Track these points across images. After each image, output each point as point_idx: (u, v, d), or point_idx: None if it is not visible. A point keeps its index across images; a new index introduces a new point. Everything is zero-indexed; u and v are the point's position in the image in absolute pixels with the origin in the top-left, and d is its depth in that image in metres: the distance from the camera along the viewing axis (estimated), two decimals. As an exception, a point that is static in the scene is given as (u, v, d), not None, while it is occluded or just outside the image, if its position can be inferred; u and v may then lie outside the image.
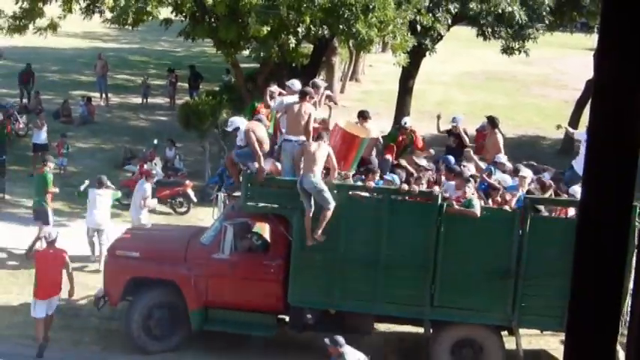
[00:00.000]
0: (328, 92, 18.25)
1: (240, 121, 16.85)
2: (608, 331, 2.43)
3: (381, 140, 17.79)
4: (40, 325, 15.68)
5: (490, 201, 15.62)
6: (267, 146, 15.62)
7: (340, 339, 13.26)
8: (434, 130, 21.44)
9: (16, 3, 25.13)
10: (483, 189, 15.97)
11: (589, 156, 2.38)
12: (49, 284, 15.69)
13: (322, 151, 14.60)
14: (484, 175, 16.46)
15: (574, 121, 30.52)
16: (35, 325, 15.73)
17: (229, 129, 17.32)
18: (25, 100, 35.07)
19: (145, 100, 39.83)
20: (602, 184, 2.33)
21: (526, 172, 16.30)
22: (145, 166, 23.99)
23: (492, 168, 16.74)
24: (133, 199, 20.67)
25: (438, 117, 20.57)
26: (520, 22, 26.95)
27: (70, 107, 34.19)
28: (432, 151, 18.69)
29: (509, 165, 16.99)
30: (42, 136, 26.55)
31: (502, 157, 17.16)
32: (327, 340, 13.52)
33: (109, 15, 24.73)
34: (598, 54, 2.34)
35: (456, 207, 15.04)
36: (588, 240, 2.37)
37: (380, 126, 18.19)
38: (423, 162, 17.28)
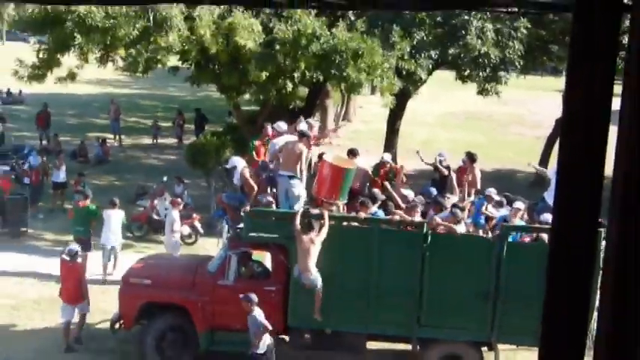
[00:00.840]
0: (316, 132, 18.36)
1: (237, 161, 17.07)
2: (577, 346, 2.48)
3: (371, 174, 17.94)
4: (66, 329, 16.53)
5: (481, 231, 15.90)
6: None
7: (253, 296, 14.13)
8: (419, 165, 21.55)
9: (37, 55, 25.30)
10: (475, 221, 16.10)
11: (559, 186, 2.44)
12: (70, 290, 16.70)
13: (317, 246, 14.57)
14: (483, 209, 16.61)
15: (546, 157, 30.79)
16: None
17: (228, 166, 17.42)
18: (44, 142, 35.11)
19: (155, 141, 40.03)
20: (571, 211, 2.39)
21: (519, 204, 16.42)
22: (156, 202, 24.09)
23: (484, 200, 16.88)
24: (165, 228, 21.44)
25: (418, 152, 20.81)
26: (494, 62, 27.11)
27: (86, 148, 34.30)
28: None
29: (497, 197, 17.13)
30: (61, 175, 26.67)
31: (492, 190, 17.28)
32: (241, 296, 14.23)
33: (121, 63, 24.87)
34: (566, 95, 2.41)
35: (439, 222, 15.35)
36: (559, 261, 2.43)
37: (369, 162, 18.28)
38: (408, 192, 17.38)
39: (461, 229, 15.75)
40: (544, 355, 2.56)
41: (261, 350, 14.15)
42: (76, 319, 16.64)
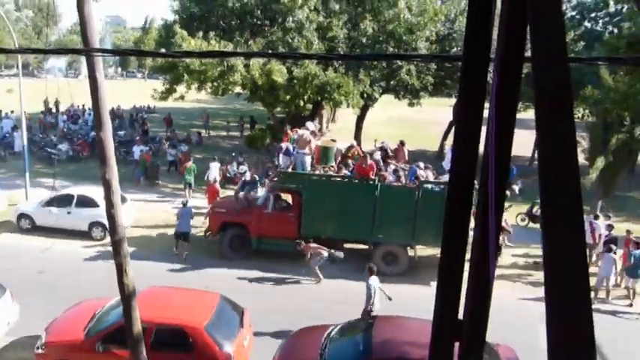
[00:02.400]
0: (315, 130, 18.38)
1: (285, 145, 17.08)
2: (459, 250, 2.44)
3: (342, 151, 17.88)
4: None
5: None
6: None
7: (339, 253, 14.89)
8: (372, 147, 21.54)
9: (163, 86, 25.17)
10: (412, 180, 16.02)
11: (453, 158, 2.40)
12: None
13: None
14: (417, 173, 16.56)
15: (443, 142, 30.93)
16: None
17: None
18: (168, 134, 35.02)
19: (227, 133, 39.86)
20: (458, 172, 2.35)
21: (426, 173, 16.50)
22: (228, 166, 23.99)
23: (415, 168, 16.82)
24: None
25: (375, 141, 20.88)
26: (417, 88, 27.08)
27: (190, 137, 34.20)
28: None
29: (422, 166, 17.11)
30: (171, 152, 26.47)
31: (421, 164, 17.22)
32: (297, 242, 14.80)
33: (209, 90, 24.75)
34: (458, 107, 2.36)
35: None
36: (452, 201, 2.39)
37: (343, 145, 18.22)
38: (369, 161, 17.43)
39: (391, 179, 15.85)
40: (444, 253, 2.50)
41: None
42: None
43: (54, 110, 39.50)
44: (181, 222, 16.26)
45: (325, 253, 14.71)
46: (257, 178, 19.16)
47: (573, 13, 33.39)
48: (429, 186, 15.47)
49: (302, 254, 14.95)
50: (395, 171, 16.43)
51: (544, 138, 1.62)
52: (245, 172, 21.15)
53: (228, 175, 23.68)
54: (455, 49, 27.26)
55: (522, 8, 1.83)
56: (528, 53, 1.86)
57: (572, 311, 1.38)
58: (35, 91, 30.57)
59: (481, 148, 2.31)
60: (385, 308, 11.70)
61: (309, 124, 17.96)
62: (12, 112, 32.49)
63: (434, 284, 10.64)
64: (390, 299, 12.00)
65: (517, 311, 13.02)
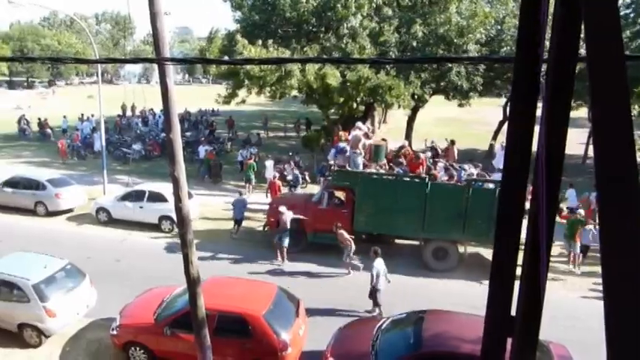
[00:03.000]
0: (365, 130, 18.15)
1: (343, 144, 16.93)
2: (511, 247, 2.35)
3: (394, 151, 17.71)
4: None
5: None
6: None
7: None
8: (422, 146, 21.20)
9: (226, 91, 25.61)
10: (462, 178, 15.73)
11: (505, 157, 2.31)
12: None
13: None
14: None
15: (493, 142, 30.10)
16: None
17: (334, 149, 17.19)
18: (230, 135, 35.59)
19: (284, 134, 40.17)
20: (511, 171, 2.26)
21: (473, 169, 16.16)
22: (285, 165, 24.19)
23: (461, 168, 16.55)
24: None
25: (425, 140, 20.54)
26: (466, 89, 26.47)
27: (250, 138, 34.67)
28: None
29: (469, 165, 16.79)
30: (244, 153, 26.70)
31: (465, 165, 16.90)
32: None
33: (267, 94, 25.00)
34: (510, 107, 2.26)
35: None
36: (504, 199, 2.30)
37: (394, 145, 18.06)
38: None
39: (445, 179, 15.53)
40: (497, 248, 2.41)
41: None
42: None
43: (129, 113, 40.90)
44: (236, 210, 17.43)
45: (353, 247, 14.60)
46: (298, 176, 20.08)
47: (628, 11, 31.75)
48: (480, 184, 15.08)
49: (337, 238, 14.89)
50: (446, 169, 16.11)
51: (600, 137, 1.52)
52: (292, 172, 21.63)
53: (285, 174, 23.87)
54: (504, 49, 26.45)
55: (576, 6, 1.74)
56: (582, 51, 1.76)
57: (631, 309, 1.29)
58: (112, 97, 31.79)
59: (534, 147, 2.21)
60: (435, 303, 11.52)
61: (361, 125, 17.85)
62: (92, 115, 33.88)
63: (485, 282, 10.32)
64: (389, 281, 12.54)
65: (566, 308, 12.52)
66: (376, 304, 12.28)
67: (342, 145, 16.60)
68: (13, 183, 19.76)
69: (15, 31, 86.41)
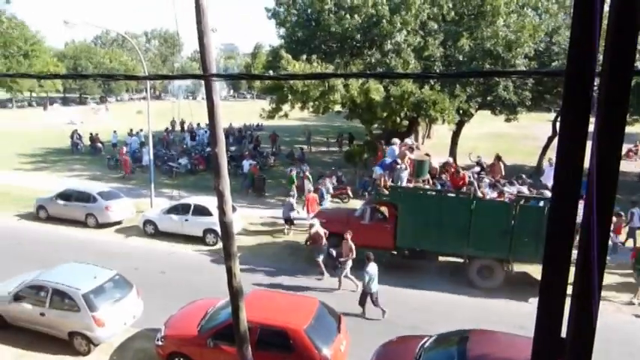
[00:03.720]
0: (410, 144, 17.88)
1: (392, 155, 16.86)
2: (562, 267, 2.28)
3: (437, 168, 17.44)
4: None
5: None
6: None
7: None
8: (467, 162, 20.88)
9: (269, 105, 25.95)
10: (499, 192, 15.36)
11: (555, 173, 2.25)
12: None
13: None
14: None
15: (541, 157, 29.38)
16: None
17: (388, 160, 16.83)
18: (274, 150, 35.98)
19: (327, 149, 40.31)
20: (562, 187, 2.21)
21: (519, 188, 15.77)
22: (327, 180, 24.21)
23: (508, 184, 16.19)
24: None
25: (469, 155, 20.20)
26: (514, 103, 26.02)
27: (294, 152, 34.98)
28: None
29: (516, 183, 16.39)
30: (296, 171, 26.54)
31: (514, 181, 16.53)
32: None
33: (311, 109, 25.20)
34: (561, 123, 2.21)
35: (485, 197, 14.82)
36: (554, 215, 2.25)
37: (438, 160, 17.82)
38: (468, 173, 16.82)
39: (493, 196, 15.18)
40: (545, 271, 2.34)
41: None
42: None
43: (178, 128, 41.89)
44: (284, 210, 19.48)
45: (350, 262, 14.56)
46: (323, 191, 20.92)
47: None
48: (527, 201, 14.69)
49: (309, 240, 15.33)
50: (493, 186, 15.76)
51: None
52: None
53: (319, 187, 23.93)
54: (555, 62, 25.84)
55: (633, 18, 1.69)
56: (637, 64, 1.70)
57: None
58: (160, 112, 32.69)
59: (586, 163, 2.15)
60: (480, 323, 11.24)
61: (408, 140, 17.73)
62: (141, 130, 34.96)
63: (532, 300, 10.06)
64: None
65: (623, 332, 11.98)
66: (362, 305, 13.02)
67: (389, 160, 16.44)
68: (66, 195, 20.51)
69: (69, 50, 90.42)
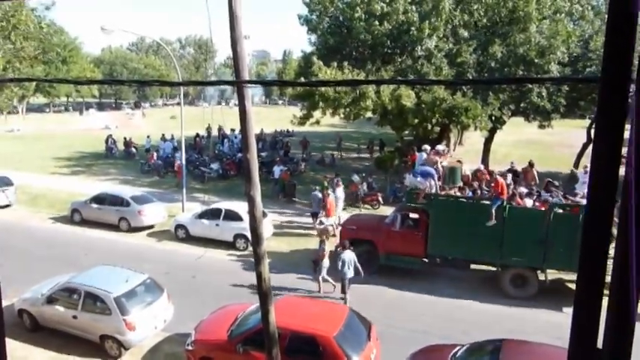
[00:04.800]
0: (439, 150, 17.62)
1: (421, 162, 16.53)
2: (598, 276, 2.25)
3: (469, 174, 17.26)
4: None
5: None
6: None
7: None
8: (501, 169, 20.62)
9: (301, 111, 26.09)
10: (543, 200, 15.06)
11: (590, 181, 2.22)
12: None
13: None
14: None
15: (576, 164, 28.76)
16: None
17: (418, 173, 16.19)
18: (304, 156, 36.15)
19: (357, 155, 40.27)
20: (597, 196, 2.18)
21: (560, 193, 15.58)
22: (359, 186, 24.15)
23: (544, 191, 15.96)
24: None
25: (512, 163, 20.07)
26: (547, 110, 25.62)
27: (324, 157, 35.06)
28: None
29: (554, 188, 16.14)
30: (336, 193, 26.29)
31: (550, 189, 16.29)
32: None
33: (342, 115, 25.23)
34: (596, 130, 2.19)
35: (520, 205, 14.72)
36: (589, 225, 2.22)
37: (470, 167, 17.67)
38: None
39: (529, 204, 14.93)
40: (581, 276, 2.31)
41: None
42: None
43: (215, 134, 42.23)
44: (314, 204, 20.05)
45: (327, 263, 14.65)
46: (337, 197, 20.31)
47: None
48: (562, 208, 14.41)
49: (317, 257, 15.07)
50: (529, 194, 15.50)
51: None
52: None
53: (358, 194, 23.87)
54: (590, 69, 25.33)
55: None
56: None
57: None
58: (193, 118, 33.21)
59: (621, 171, 2.12)
60: (513, 332, 11.05)
61: (439, 147, 17.59)
62: (172, 136, 35.58)
63: (566, 310, 9.86)
64: (361, 274, 13.95)
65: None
66: (343, 291, 13.94)
67: (427, 168, 15.80)
68: (100, 199, 20.99)
69: (105, 56, 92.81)
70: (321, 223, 18.47)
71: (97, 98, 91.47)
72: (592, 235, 2.19)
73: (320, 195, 19.92)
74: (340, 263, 13.79)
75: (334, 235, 18.01)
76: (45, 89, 68.35)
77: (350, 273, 13.81)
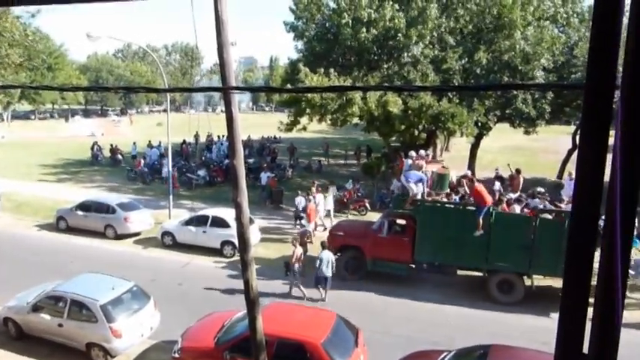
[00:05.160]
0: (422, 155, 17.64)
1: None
2: (583, 281, 2.25)
3: (454, 180, 17.33)
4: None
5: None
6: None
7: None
8: (486, 175, 20.71)
9: (288, 118, 26.07)
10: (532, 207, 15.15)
11: (576, 187, 2.23)
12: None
13: None
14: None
15: (561, 171, 29.04)
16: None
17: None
18: (292, 162, 36.14)
19: (345, 161, 40.29)
20: (582, 202, 2.19)
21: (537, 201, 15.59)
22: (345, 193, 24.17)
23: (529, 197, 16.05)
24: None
25: (496, 170, 20.13)
26: (533, 117, 25.84)
27: (311, 164, 35.07)
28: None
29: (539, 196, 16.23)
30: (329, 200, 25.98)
31: (541, 189, 16.38)
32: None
33: (329, 121, 25.24)
34: (580, 136, 2.19)
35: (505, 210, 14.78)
36: (576, 230, 2.22)
37: (457, 173, 17.75)
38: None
39: (517, 210, 14.99)
40: (566, 282, 2.30)
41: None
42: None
43: (202, 140, 42.05)
44: (297, 209, 20.67)
45: (298, 267, 14.77)
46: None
47: None
48: (547, 214, 14.51)
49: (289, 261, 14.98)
50: (518, 200, 15.57)
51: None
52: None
53: (345, 200, 23.87)
54: (575, 75, 25.62)
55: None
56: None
57: None
58: (180, 124, 33.07)
59: (606, 177, 2.12)
60: (500, 338, 11.07)
61: (422, 152, 17.66)
62: (160, 142, 35.37)
63: (553, 315, 9.92)
64: (334, 272, 14.65)
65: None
66: (316, 286, 14.59)
67: (419, 174, 15.61)
68: (85, 206, 20.77)
69: (91, 63, 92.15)
70: (302, 226, 19.35)
71: (82, 105, 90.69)
72: (577, 241, 2.18)
73: (304, 200, 20.27)
74: (318, 262, 14.35)
75: (311, 242, 17.94)
76: (30, 96, 67.65)
77: (328, 272, 14.38)
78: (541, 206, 15.10)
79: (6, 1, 5.09)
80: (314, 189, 20.96)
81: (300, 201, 20.63)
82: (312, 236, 18.65)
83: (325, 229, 19.83)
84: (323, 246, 14.83)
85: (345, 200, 23.85)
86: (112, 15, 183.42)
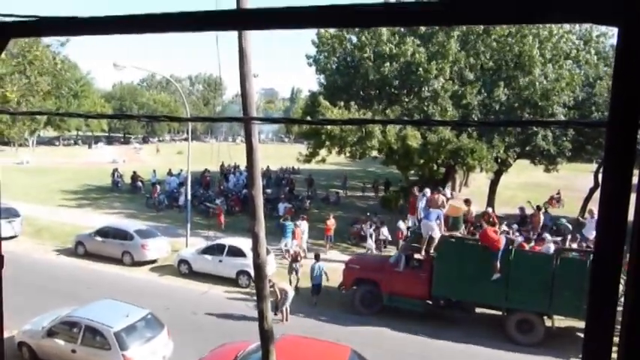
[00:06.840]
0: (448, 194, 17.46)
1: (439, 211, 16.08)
2: (606, 324, 2.18)
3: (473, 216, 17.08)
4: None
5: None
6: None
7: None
8: (507, 212, 20.47)
9: (307, 150, 26.22)
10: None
11: (598, 226, 2.18)
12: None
13: None
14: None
15: (584, 209, 28.55)
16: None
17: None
18: (309, 193, 36.14)
19: (362, 194, 40.19)
20: (605, 242, 2.14)
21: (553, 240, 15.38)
22: (363, 226, 23.92)
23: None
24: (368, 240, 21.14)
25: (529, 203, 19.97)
26: (553, 154, 25.64)
27: (329, 196, 35.05)
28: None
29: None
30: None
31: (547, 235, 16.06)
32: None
33: (347, 154, 25.31)
34: (603, 176, 2.16)
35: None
36: (599, 270, 2.17)
37: (477, 210, 17.55)
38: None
39: (551, 248, 14.71)
40: (589, 324, 2.23)
41: None
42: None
43: (223, 170, 42.30)
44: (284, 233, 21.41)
45: (291, 294, 15.27)
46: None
47: None
48: (569, 254, 14.24)
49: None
50: (527, 240, 15.29)
51: None
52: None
53: (362, 233, 23.70)
54: (596, 114, 25.44)
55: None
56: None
57: None
58: (200, 153, 33.40)
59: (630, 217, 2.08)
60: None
61: (446, 191, 17.52)
62: (181, 170, 35.69)
63: (574, 359, 9.55)
64: (327, 279, 16.40)
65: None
66: (313, 294, 16.46)
67: (438, 211, 15.37)
68: (104, 232, 20.96)
69: (116, 91, 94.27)
70: (285, 245, 20.88)
71: (106, 132, 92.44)
72: (600, 282, 2.13)
73: (292, 225, 21.57)
74: (310, 271, 16.47)
75: (301, 265, 17.93)
76: (55, 123, 69.06)
77: (320, 280, 16.38)
78: (558, 245, 14.87)
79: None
80: (301, 216, 23.01)
81: (286, 227, 21.53)
82: (301, 257, 18.49)
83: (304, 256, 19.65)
84: (317, 258, 16.74)
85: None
86: (138, 46, 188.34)
